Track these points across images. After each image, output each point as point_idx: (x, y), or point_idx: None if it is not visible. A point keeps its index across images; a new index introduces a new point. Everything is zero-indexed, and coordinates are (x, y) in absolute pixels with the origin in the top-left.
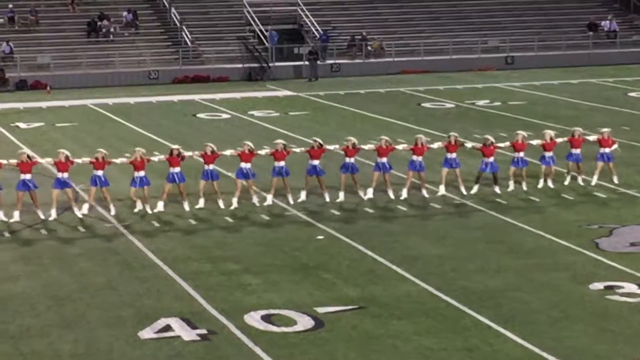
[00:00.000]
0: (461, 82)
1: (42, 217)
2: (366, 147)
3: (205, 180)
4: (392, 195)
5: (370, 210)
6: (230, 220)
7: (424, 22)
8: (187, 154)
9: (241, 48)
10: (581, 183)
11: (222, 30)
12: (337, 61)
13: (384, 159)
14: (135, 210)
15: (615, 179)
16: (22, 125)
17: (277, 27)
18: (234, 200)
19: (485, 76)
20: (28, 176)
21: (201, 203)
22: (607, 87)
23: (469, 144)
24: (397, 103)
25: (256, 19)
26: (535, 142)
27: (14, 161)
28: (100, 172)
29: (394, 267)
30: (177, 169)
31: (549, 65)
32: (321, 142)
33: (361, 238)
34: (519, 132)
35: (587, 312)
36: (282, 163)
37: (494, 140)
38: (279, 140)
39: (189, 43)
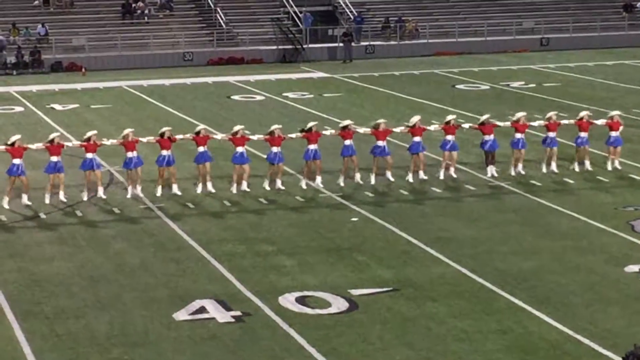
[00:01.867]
0: (496, 64)
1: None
2: (361, 130)
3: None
4: (391, 178)
5: (404, 192)
6: (264, 201)
7: (458, 4)
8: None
9: (275, 30)
10: (589, 167)
11: (256, 11)
12: (372, 43)
13: (384, 142)
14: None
15: (617, 163)
16: (57, 106)
17: (312, 8)
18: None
19: (520, 58)
20: (92, 156)
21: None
22: None
23: (466, 125)
24: (431, 85)
25: (290, 1)
26: (537, 123)
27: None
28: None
29: (428, 248)
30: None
31: (584, 47)
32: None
33: (395, 220)
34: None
35: (622, 294)
36: (275, 149)
37: (490, 120)
38: (276, 125)
39: (223, 25)
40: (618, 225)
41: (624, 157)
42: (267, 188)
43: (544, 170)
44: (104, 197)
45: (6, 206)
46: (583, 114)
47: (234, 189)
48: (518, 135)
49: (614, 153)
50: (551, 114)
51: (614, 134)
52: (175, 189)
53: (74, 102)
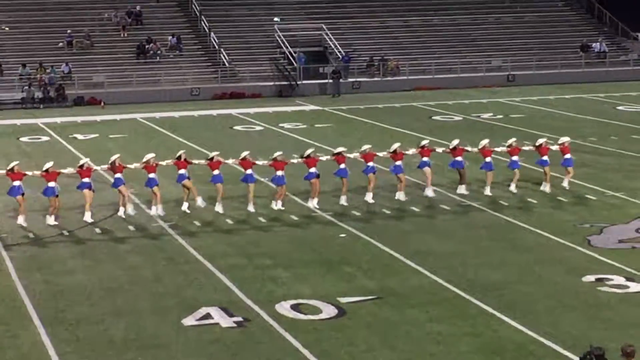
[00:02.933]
0: (468, 97)
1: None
2: (352, 155)
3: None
4: (370, 200)
5: (387, 212)
6: (263, 220)
7: (435, 44)
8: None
9: (273, 68)
10: (547, 190)
11: (256, 52)
12: (358, 79)
13: (370, 163)
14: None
15: (565, 183)
16: (79, 136)
17: (304, 49)
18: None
19: (489, 92)
20: (119, 175)
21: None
22: (598, 102)
23: (439, 149)
24: (410, 116)
25: (286, 42)
26: (500, 149)
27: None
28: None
29: (408, 261)
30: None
31: (546, 82)
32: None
33: (379, 236)
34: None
35: (580, 301)
36: (280, 172)
37: (456, 144)
38: (278, 153)
39: (226, 63)
40: (576, 240)
41: (581, 179)
42: (275, 208)
43: (513, 189)
44: (123, 215)
45: (53, 222)
46: (542, 140)
47: (250, 207)
48: (487, 159)
49: (567, 173)
50: (511, 140)
51: (567, 156)
52: (185, 206)
53: (94, 132)
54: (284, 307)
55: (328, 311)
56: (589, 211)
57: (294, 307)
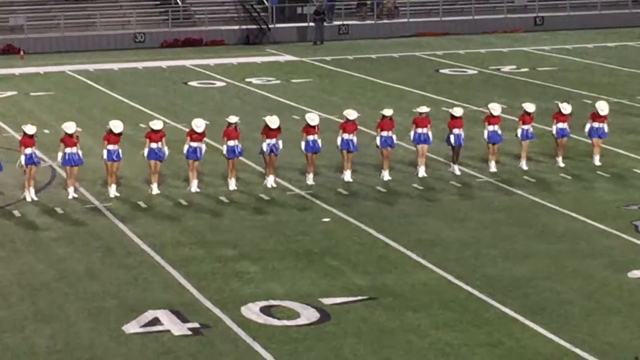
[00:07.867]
0: (484, 46)
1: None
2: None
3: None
4: (349, 178)
5: (382, 190)
6: (225, 200)
7: None
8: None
9: (238, 8)
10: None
11: None
12: (346, 22)
13: (350, 136)
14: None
15: (597, 160)
16: None
17: None
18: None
19: (512, 39)
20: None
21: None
22: None
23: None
24: (412, 69)
25: None
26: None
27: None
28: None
29: (408, 252)
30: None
31: (583, 27)
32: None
33: (372, 220)
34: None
35: (625, 303)
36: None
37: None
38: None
39: (179, 2)
40: (621, 226)
41: (627, 149)
42: (231, 188)
43: (524, 166)
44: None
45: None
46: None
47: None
48: (490, 128)
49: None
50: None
51: (595, 125)
52: (155, 187)
53: (11, 89)
54: (251, 310)
55: (307, 315)
56: (636, 189)
57: (265, 310)
